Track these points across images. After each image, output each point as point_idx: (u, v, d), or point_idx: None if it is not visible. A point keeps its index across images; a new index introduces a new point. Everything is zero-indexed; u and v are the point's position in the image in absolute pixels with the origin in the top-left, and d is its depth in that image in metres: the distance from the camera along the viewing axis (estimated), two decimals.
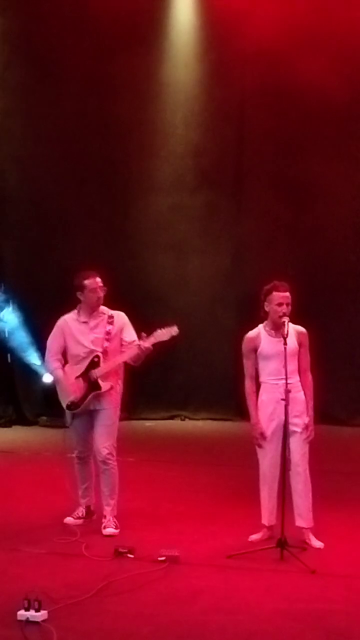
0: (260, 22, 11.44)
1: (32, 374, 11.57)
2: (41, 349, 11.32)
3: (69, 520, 6.84)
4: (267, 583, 5.62)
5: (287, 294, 6.30)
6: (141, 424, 11.88)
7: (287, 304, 6.27)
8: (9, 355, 11.81)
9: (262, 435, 6.31)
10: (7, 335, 11.67)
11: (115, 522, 6.64)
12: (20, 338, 11.61)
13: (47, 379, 11.31)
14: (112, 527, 6.60)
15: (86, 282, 6.72)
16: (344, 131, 12.02)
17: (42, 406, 11.86)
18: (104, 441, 6.71)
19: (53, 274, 11.46)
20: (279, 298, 6.27)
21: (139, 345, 6.61)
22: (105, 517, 6.68)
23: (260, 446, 6.36)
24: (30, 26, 12.00)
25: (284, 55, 11.34)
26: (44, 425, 11.67)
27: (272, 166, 12.25)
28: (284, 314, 6.24)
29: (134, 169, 12.42)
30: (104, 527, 6.61)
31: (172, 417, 12.42)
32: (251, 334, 6.41)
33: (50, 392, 11.17)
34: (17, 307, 11.75)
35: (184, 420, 12.38)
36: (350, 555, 6.15)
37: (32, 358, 11.49)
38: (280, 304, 6.26)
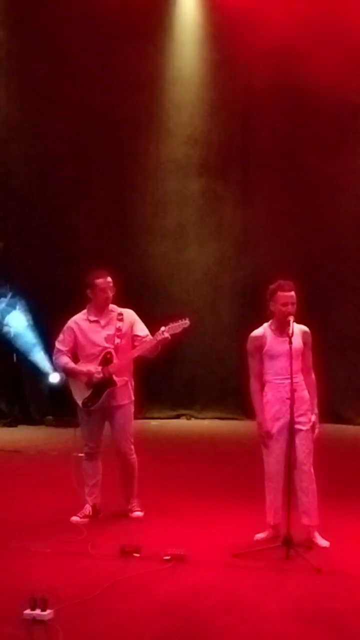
0: (266, 16, 11.45)
1: (38, 374, 11.61)
2: (48, 350, 11.42)
3: (75, 519, 6.86)
4: (273, 582, 5.62)
5: (292, 293, 6.29)
6: (147, 423, 11.89)
7: (292, 304, 6.27)
8: (15, 355, 11.83)
9: (268, 434, 6.32)
10: (13, 335, 11.70)
11: (139, 506, 6.98)
12: (27, 339, 11.63)
13: (54, 379, 11.37)
14: (139, 511, 6.95)
15: (97, 281, 6.85)
16: (349, 124, 11.98)
17: (49, 405, 11.88)
18: (123, 436, 6.91)
19: (60, 273, 11.48)
20: (284, 298, 6.27)
21: (158, 335, 6.72)
22: (130, 500, 6.98)
23: (266, 445, 6.37)
24: (37, 22, 11.99)
25: (290, 48, 11.35)
26: (50, 424, 11.69)
27: (277, 157, 12.21)
28: (289, 314, 6.24)
29: (141, 163, 12.40)
30: (131, 511, 6.95)
31: (177, 416, 12.44)
32: (256, 333, 6.42)
33: (57, 391, 11.34)
34: (24, 307, 11.77)
35: (189, 419, 12.39)
36: (357, 554, 6.13)
37: (39, 358, 11.52)
38: (285, 304, 6.26)
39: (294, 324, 6.25)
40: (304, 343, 6.37)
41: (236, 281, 12.34)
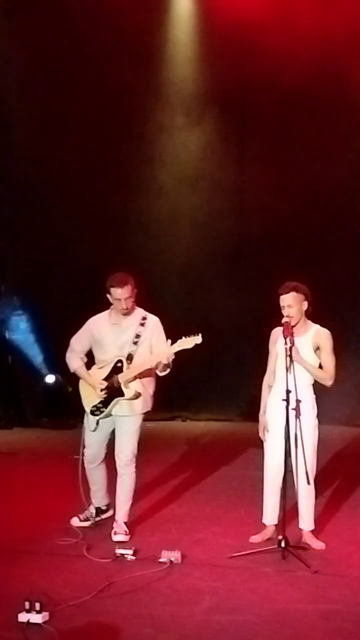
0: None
1: (34, 375, 11.58)
2: (46, 351, 11.35)
3: (76, 520, 6.79)
4: (269, 584, 5.62)
5: (286, 295, 6.25)
6: (142, 425, 11.85)
7: (289, 306, 6.24)
8: (10, 357, 11.80)
9: (266, 429, 6.35)
10: (9, 336, 11.67)
11: (125, 529, 6.51)
12: (24, 339, 11.59)
13: (50, 379, 11.34)
14: (122, 534, 6.47)
15: (112, 289, 6.45)
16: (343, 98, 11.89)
17: (44, 408, 11.84)
18: (126, 448, 6.62)
19: (59, 274, 11.40)
20: (280, 301, 6.29)
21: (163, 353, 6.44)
22: (116, 522, 6.57)
23: (262, 439, 6.38)
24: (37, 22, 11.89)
25: (286, 23, 11.27)
26: (45, 426, 11.65)
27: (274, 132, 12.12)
28: (285, 316, 6.24)
29: (135, 152, 12.31)
30: (115, 533, 6.48)
31: (173, 418, 12.39)
32: (276, 329, 6.40)
33: (52, 393, 11.28)
34: (21, 307, 11.73)
35: (185, 421, 12.37)
36: (352, 556, 6.14)
37: (35, 359, 11.48)
38: (282, 307, 6.27)
39: (314, 325, 6.29)
40: (315, 346, 6.31)
41: (236, 284, 12.24)
